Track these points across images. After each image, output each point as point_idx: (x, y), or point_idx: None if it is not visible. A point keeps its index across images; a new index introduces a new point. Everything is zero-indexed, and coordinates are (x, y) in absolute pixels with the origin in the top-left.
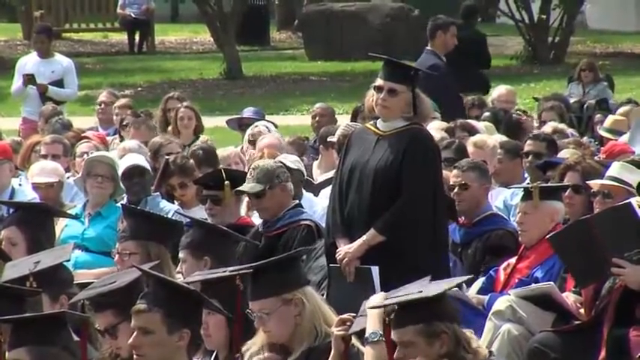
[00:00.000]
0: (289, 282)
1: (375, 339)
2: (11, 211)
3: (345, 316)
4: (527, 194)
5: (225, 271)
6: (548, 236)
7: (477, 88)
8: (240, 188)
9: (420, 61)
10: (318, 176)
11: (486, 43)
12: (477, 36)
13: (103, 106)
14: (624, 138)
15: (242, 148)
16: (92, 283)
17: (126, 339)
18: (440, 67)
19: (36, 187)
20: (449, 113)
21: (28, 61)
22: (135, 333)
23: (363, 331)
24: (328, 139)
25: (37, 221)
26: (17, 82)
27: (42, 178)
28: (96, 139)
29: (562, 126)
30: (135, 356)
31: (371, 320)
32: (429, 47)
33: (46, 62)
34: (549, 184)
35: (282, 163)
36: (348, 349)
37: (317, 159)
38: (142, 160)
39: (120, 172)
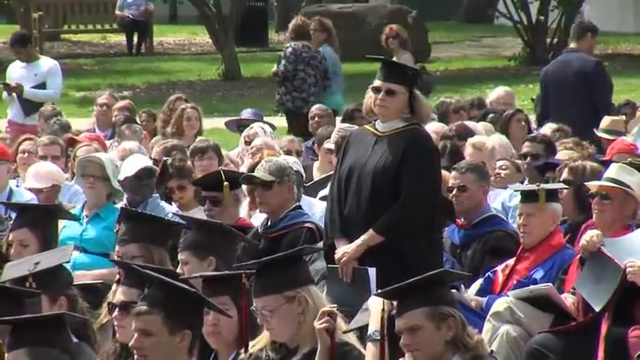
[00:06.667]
0: (293, 280)
1: (378, 337)
2: (9, 211)
3: (327, 308)
4: (531, 196)
5: (225, 271)
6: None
7: None
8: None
9: (575, 57)
10: (318, 178)
11: None
12: None
13: (104, 107)
14: (625, 138)
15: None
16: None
17: None
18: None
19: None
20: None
21: (15, 67)
22: (136, 335)
23: (360, 331)
24: (325, 144)
25: (46, 222)
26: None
27: (34, 183)
28: (88, 140)
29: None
30: (136, 357)
31: (374, 318)
32: (574, 46)
33: (30, 66)
34: (556, 186)
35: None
36: (335, 343)
37: (316, 160)
38: (147, 161)
39: (126, 173)
